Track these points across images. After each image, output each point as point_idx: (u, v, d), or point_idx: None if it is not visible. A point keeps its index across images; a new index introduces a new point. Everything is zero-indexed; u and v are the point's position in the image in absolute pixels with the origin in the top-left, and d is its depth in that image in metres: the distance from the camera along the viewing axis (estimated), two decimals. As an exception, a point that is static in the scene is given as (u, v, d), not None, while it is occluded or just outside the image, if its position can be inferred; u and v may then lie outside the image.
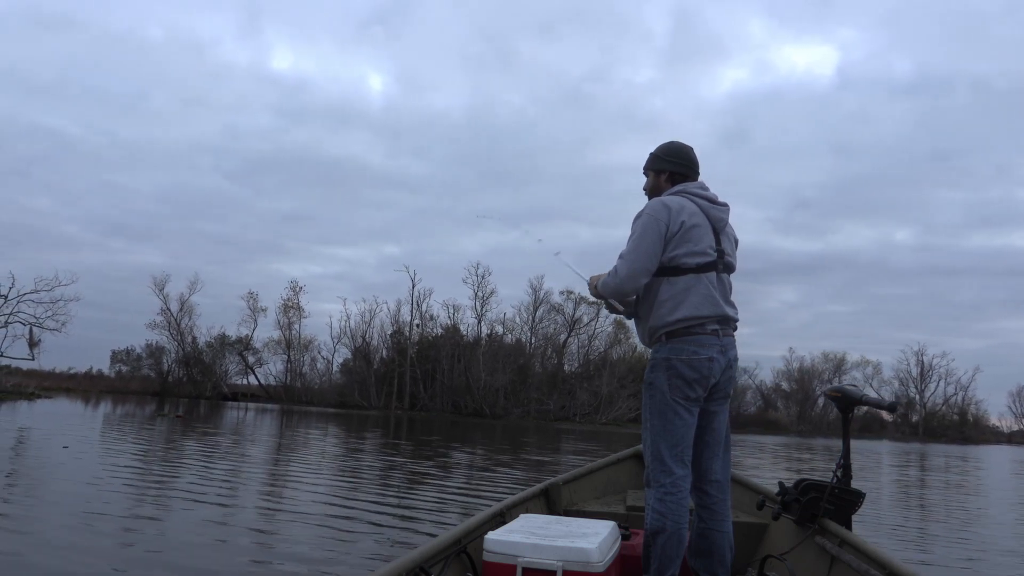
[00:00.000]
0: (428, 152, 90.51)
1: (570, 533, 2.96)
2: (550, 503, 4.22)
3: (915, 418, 68.09)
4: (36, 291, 43.97)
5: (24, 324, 43.96)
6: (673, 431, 2.86)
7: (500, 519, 3.45)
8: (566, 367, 61.29)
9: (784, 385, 69.96)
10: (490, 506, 3.67)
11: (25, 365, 45.58)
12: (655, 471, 2.87)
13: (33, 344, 44.27)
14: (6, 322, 43.43)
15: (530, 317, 61.29)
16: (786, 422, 65.03)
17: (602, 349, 60.54)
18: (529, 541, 2.79)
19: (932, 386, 68.49)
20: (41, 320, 44.09)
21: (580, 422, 52.46)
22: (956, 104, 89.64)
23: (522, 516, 3.37)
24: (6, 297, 43.16)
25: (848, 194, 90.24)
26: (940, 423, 67.04)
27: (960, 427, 65.86)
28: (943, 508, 10.94)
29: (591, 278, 3.18)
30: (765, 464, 19.28)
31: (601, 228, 77.95)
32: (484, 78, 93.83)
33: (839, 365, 69.01)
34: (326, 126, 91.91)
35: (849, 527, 3.31)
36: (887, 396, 68.14)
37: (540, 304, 60.68)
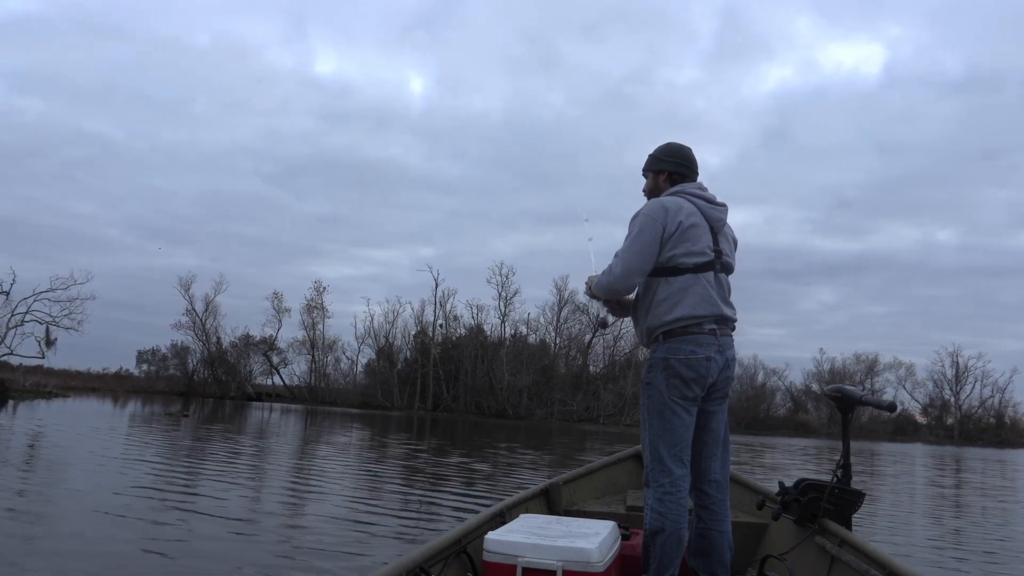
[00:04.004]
0: (466, 154, 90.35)
1: (570, 533, 2.97)
2: (550, 503, 4.22)
3: (950, 421, 66.56)
4: (52, 290, 44.82)
5: (41, 323, 44.76)
6: (672, 431, 2.87)
7: (500, 519, 3.46)
8: (591, 368, 61.08)
9: (815, 387, 68.86)
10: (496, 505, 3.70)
11: (36, 363, 45.93)
12: (654, 471, 2.89)
13: (49, 343, 44.81)
14: (22, 321, 44.16)
15: (555, 317, 61.30)
16: (816, 424, 63.97)
17: (627, 350, 60.07)
18: (529, 541, 2.80)
19: (968, 388, 66.91)
20: (57, 319, 44.87)
21: (604, 423, 52.19)
22: (1006, 101, 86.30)
23: (522, 516, 3.39)
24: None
25: (891, 194, 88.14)
26: (976, 426, 65.38)
27: (996, 430, 64.16)
28: (980, 511, 10.72)
29: (589, 278, 3.21)
30: (796, 463, 19.09)
31: (637, 229, 76.97)
32: (525, 80, 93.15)
33: (871, 366, 67.72)
34: (366, 129, 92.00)
35: (849, 527, 3.29)
36: (921, 398, 66.98)
37: (565, 304, 60.63)
